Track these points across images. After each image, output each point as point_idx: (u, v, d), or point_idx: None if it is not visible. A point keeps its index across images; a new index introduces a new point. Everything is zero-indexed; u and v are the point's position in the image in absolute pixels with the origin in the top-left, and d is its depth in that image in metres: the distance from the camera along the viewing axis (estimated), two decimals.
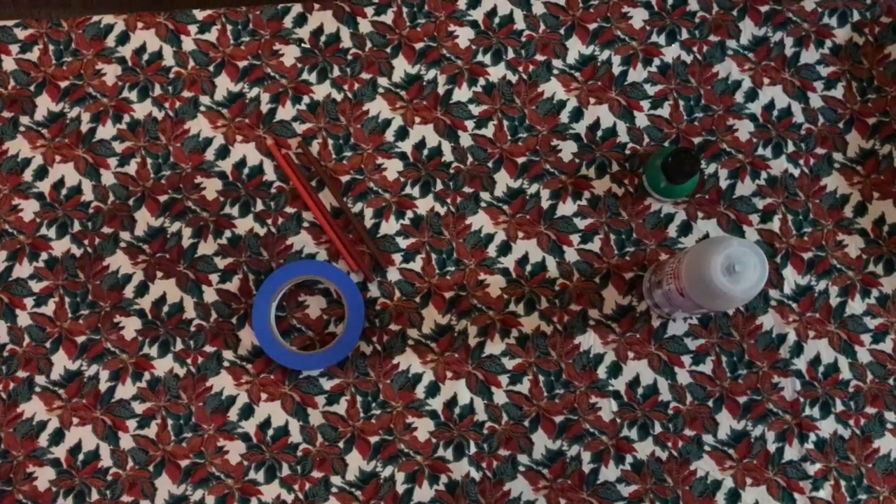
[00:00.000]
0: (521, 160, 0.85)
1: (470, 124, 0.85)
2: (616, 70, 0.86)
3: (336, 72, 0.86)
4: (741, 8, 0.88)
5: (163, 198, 0.84)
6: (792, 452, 0.80)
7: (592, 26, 0.87)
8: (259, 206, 0.84)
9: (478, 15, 0.87)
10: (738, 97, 0.86)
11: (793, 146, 0.85)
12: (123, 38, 0.87)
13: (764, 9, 0.88)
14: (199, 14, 0.87)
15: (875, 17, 0.87)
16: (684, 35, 0.87)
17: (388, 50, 0.87)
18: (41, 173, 0.85)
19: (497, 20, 0.87)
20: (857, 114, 0.86)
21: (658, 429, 0.81)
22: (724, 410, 0.81)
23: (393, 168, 0.85)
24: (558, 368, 0.82)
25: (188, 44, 0.87)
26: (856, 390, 0.81)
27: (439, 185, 0.84)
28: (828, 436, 0.81)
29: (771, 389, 0.81)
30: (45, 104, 0.86)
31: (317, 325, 0.82)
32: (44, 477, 0.80)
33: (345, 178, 0.84)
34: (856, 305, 0.82)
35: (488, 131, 0.85)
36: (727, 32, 0.87)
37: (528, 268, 0.83)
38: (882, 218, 0.84)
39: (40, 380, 0.81)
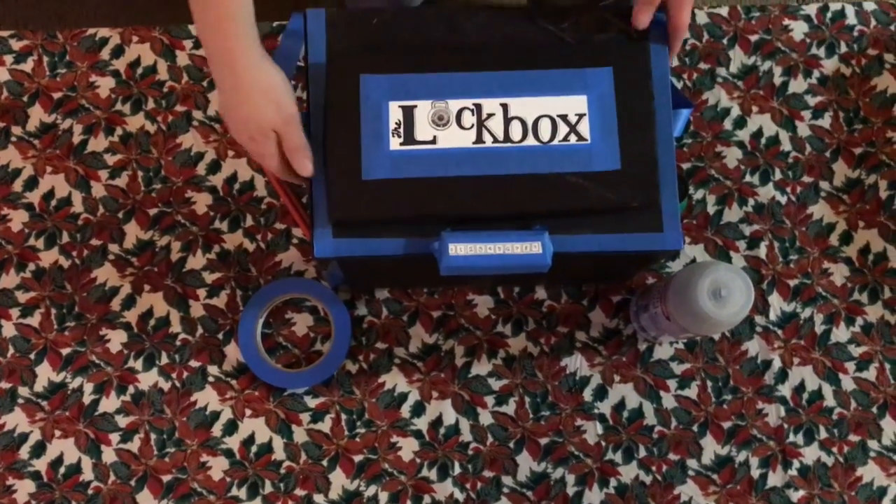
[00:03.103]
0: None
1: None
2: None
3: None
4: (731, 37, 0.89)
5: (153, 211, 0.84)
6: (775, 479, 0.80)
7: None
8: (249, 221, 0.84)
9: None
10: (727, 124, 0.87)
11: (780, 174, 0.86)
12: (118, 52, 0.87)
13: (753, 38, 0.89)
14: (195, 29, 0.88)
15: (861, 49, 0.89)
16: (675, 62, 0.88)
17: None
18: (31, 184, 0.84)
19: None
20: (844, 143, 0.87)
21: (643, 452, 0.81)
22: (709, 435, 0.81)
23: None
24: (544, 390, 0.82)
25: (182, 58, 0.87)
26: (839, 418, 0.82)
27: None
28: (811, 463, 0.81)
29: (755, 415, 0.81)
30: (37, 115, 0.86)
31: (303, 343, 0.82)
32: (23, 490, 0.79)
33: None
34: (840, 333, 0.83)
35: None
36: (717, 60, 0.88)
37: (516, 289, 0.83)
38: (867, 247, 0.85)
39: (23, 391, 0.81)
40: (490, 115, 0.66)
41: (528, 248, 0.63)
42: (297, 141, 0.65)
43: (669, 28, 0.68)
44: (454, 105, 0.66)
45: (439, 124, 0.65)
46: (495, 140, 0.65)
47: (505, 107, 0.66)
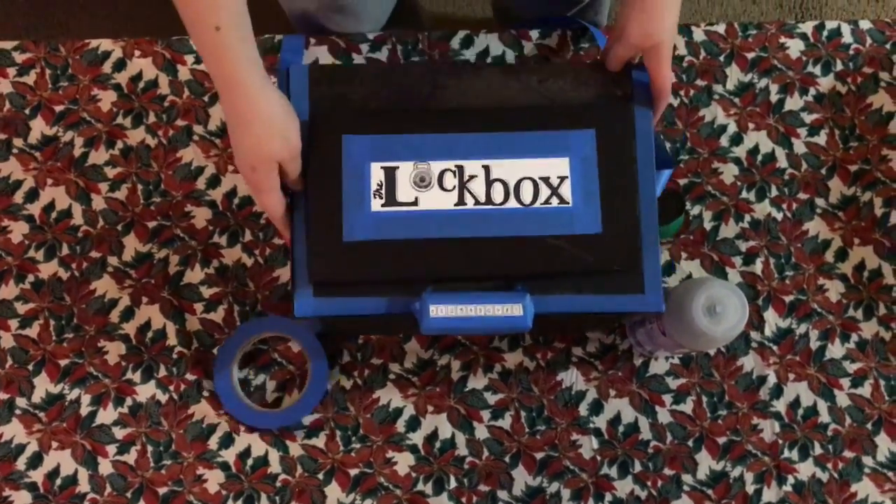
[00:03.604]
0: None
1: None
2: None
3: None
4: (728, 54, 0.90)
5: (152, 224, 0.85)
6: (770, 494, 0.81)
7: None
8: (248, 236, 0.84)
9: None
10: (724, 141, 0.88)
11: (776, 190, 0.87)
12: (120, 65, 0.88)
13: (750, 55, 0.90)
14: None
15: (857, 67, 0.89)
16: (672, 78, 0.88)
17: None
18: (32, 196, 0.85)
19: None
20: (840, 161, 0.87)
21: (638, 467, 0.81)
22: (704, 450, 0.81)
23: None
24: (540, 404, 0.82)
25: (184, 73, 0.88)
26: (834, 434, 0.82)
27: None
28: (806, 479, 0.81)
29: (750, 431, 0.82)
30: (39, 127, 0.86)
31: (298, 360, 0.82)
32: (20, 501, 0.79)
33: None
34: (835, 349, 0.83)
35: None
36: (714, 77, 0.89)
37: None
38: (862, 264, 0.85)
39: (21, 402, 0.81)
40: (472, 177, 0.66)
41: (509, 310, 0.64)
42: (295, 167, 0.65)
43: (652, 89, 0.69)
44: (436, 166, 0.66)
45: (421, 186, 0.65)
46: (477, 202, 0.66)
47: (487, 169, 0.66)
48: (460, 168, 0.66)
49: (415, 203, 0.65)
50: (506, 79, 0.69)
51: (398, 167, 0.66)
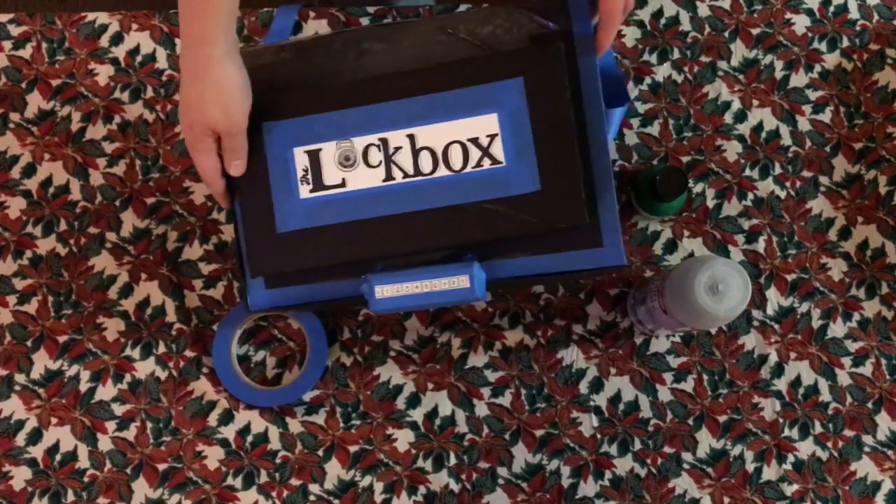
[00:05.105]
0: None
1: None
2: None
3: None
4: (733, 30, 0.88)
5: (150, 200, 0.84)
6: (770, 473, 0.81)
7: None
8: None
9: None
10: (727, 118, 0.87)
11: (780, 168, 0.86)
12: (117, 39, 0.87)
13: (755, 31, 0.88)
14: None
15: (864, 43, 0.88)
16: (676, 55, 0.88)
17: None
18: (29, 171, 0.84)
19: None
20: (844, 138, 0.87)
21: (638, 445, 0.81)
22: (704, 429, 0.81)
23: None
24: (540, 382, 0.82)
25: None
26: (835, 413, 0.82)
27: None
28: (806, 457, 0.81)
29: (751, 409, 0.82)
30: (35, 102, 0.85)
31: (298, 336, 0.82)
32: (20, 476, 0.79)
33: None
34: (837, 328, 0.83)
35: None
36: (718, 53, 0.88)
37: None
38: (866, 242, 0.85)
39: (20, 378, 0.81)
40: (397, 149, 0.62)
41: (456, 282, 0.60)
42: (234, 145, 0.63)
43: (601, 13, 0.61)
44: (359, 143, 0.62)
45: (346, 165, 0.62)
46: (405, 175, 0.62)
47: (412, 137, 0.62)
48: (384, 141, 0.62)
49: (342, 185, 0.62)
50: (434, 33, 0.64)
51: (321, 149, 0.62)
